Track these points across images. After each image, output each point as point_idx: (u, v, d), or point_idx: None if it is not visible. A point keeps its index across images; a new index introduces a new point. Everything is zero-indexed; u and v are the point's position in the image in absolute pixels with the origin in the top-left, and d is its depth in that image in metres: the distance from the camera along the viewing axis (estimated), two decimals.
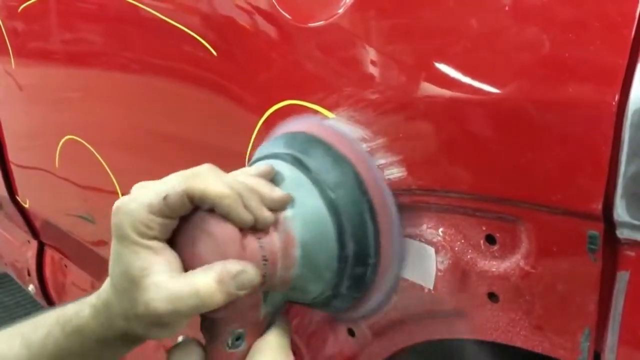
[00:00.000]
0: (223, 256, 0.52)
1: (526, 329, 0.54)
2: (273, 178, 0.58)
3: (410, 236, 0.61)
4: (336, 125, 0.61)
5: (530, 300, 0.53)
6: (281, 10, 0.70)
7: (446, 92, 0.55)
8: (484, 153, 0.53)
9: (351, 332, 0.69)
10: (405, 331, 0.64)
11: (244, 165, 0.78)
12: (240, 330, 0.55)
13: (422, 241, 0.60)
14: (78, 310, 0.57)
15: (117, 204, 0.52)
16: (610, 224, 0.47)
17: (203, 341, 0.57)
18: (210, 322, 0.56)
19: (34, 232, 1.60)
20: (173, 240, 0.53)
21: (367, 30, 0.63)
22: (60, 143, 1.21)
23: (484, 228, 0.56)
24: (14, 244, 1.76)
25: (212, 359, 0.56)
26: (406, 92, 0.58)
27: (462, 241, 0.57)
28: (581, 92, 0.47)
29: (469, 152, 0.54)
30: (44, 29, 1.22)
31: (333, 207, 0.57)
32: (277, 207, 0.55)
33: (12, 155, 1.49)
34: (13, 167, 1.50)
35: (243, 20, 0.75)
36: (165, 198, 0.51)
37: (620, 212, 0.46)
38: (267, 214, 0.54)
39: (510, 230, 0.54)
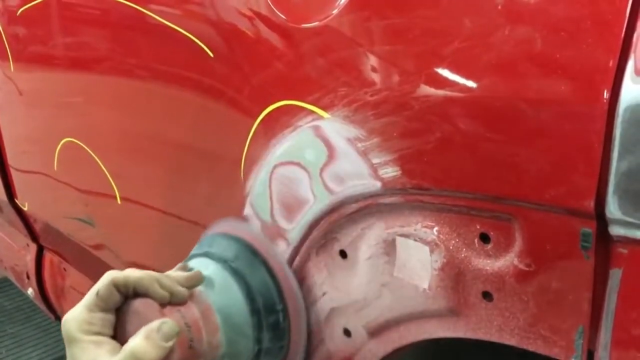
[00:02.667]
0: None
1: (520, 328, 0.54)
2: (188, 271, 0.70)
3: (405, 235, 0.61)
4: (232, 220, 0.77)
5: (524, 299, 0.53)
6: (276, 11, 0.70)
7: (440, 92, 0.55)
8: (478, 152, 0.53)
9: (347, 333, 0.69)
10: (401, 331, 0.64)
11: (239, 169, 0.78)
12: None
13: (416, 240, 0.60)
14: None
15: (64, 318, 0.61)
16: (602, 221, 0.47)
17: None
18: None
19: (33, 236, 1.60)
20: (115, 334, 0.62)
21: (361, 31, 0.63)
22: (59, 146, 1.21)
23: (478, 226, 0.56)
24: (14, 248, 1.76)
25: None
26: (400, 92, 0.58)
27: (457, 240, 0.57)
28: (573, 90, 0.47)
29: (463, 151, 0.54)
30: (42, 32, 1.22)
31: (236, 274, 0.69)
32: (190, 284, 0.66)
33: (11, 158, 1.49)
34: (12, 170, 1.50)
35: (239, 21, 0.75)
36: (97, 293, 0.61)
37: (613, 209, 0.46)
38: (181, 289, 0.64)
39: (504, 228, 0.54)
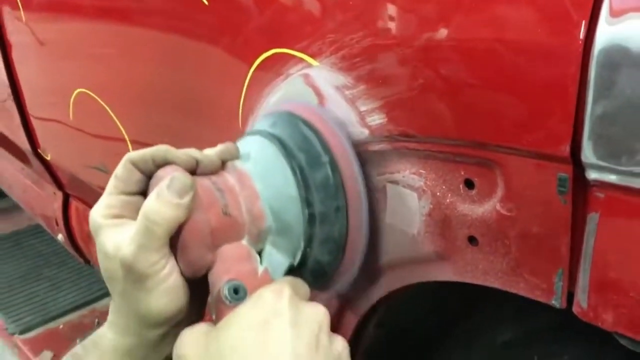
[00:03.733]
0: None
1: (503, 271, 0.55)
2: None
3: (394, 182, 0.61)
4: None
5: (507, 243, 0.54)
6: None
7: (422, 37, 0.54)
8: (459, 97, 0.52)
9: None
10: (392, 276, 0.65)
11: (238, 117, 0.79)
12: (236, 282, 0.54)
13: (405, 187, 0.60)
14: (99, 333, 0.58)
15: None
16: (579, 166, 0.47)
17: None
18: (209, 280, 0.56)
19: (58, 184, 1.64)
20: None
21: None
22: (73, 96, 1.23)
23: (462, 172, 0.56)
24: (42, 196, 1.81)
25: (218, 316, 0.54)
26: (384, 38, 0.57)
27: (443, 186, 0.58)
28: (549, 32, 0.46)
29: (445, 97, 0.53)
30: None
31: (274, 138, 0.61)
32: (223, 156, 0.59)
33: (31, 108, 1.51)
34: (33, 120, 1.53)
35: None
36: (115, 176, 0.57)
37: (588, 153, 0.45)
38: (208, 154, 0.57)
39: (487, 174, 0.54)
